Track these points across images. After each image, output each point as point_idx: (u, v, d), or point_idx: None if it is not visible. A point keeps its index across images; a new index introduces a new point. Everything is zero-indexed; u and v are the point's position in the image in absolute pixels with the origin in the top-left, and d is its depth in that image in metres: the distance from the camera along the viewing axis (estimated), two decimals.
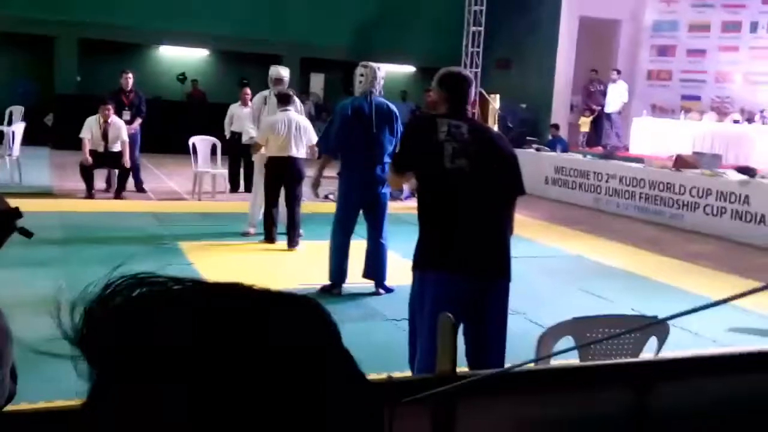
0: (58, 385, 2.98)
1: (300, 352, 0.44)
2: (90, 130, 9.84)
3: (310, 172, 7.03)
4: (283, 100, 7.43)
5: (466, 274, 3.15)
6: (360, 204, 5.98)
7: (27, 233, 1.27)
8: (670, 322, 3.06)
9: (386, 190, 5.98)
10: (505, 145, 3.40)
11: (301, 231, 7.96)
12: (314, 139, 7.44)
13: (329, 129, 6.17)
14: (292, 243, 7.52)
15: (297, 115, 7.45)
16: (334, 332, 0.48)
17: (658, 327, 2.95)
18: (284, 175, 7.35)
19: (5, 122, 13.72)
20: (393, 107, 6.04)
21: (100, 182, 10.29)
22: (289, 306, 0.47)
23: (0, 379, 1.05)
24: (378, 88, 5.97)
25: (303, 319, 0.47)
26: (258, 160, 7.91)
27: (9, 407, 1.16)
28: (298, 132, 7.26)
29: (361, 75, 5.98)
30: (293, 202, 7.44)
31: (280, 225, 7.71)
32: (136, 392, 0.42)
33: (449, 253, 3.17)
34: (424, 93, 12.87)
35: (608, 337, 2.43)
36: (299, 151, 7.32)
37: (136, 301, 0.45)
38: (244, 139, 9.48)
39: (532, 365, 1.98)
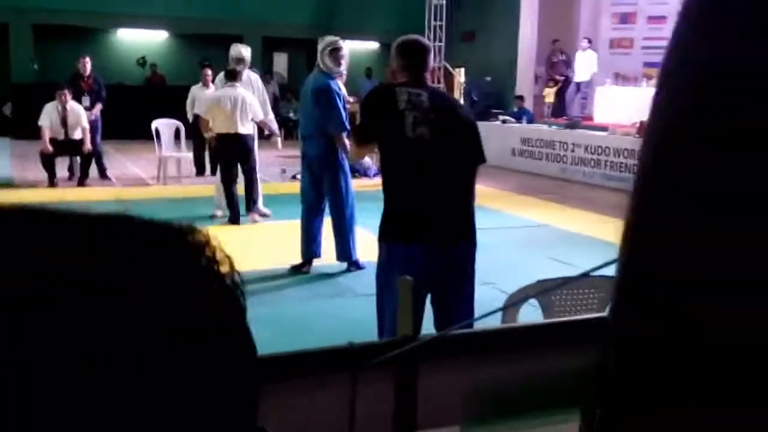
0: None
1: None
2: (49, 117, 9.65)
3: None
4: (230, 76, 7.52)
5: (431, 244, 3.14)
6: (311, 181, 5.93)
7: None
8: None
9: (333, 172, 5.85)
10: (465, 113, 3.39)
11: (267, 211, 7.95)
12: (260, 114, 7.54)
13: None
14: (249, 208, 7.69)
15: (243, 90, 7.49)
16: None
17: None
18: (234, 152, 7.46)
19: None
20: (321, 83, 5.69)
21: (62, 171, 10.12)
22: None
23: None
24: (326, 63, 5.74)
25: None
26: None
27: None
28: (244, 107, 7.32)
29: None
30: (249, 172, 7.58)
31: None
32: None
33: (414, 223, 3.16)
34: (386, 69, 12.80)
35: (566, 280, 2.44)
36: (245, 127, 7.39)
37: None
38: None
39: (497, 325, 1.98)
